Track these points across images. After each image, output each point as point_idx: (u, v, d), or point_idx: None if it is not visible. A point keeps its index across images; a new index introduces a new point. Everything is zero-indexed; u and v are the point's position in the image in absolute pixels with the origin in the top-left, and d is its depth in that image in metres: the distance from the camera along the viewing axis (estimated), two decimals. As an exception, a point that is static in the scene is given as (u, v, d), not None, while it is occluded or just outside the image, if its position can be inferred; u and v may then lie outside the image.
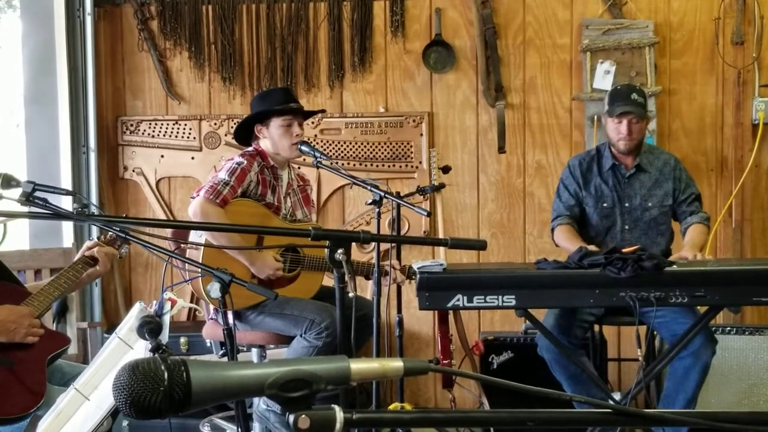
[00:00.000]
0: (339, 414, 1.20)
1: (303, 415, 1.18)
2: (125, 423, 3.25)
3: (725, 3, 5.36)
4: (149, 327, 2.10)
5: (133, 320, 2.19)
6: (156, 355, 2.00)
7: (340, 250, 2.66)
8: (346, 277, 2.77)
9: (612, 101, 4.51)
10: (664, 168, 4.60)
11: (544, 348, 4.23)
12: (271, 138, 4.43)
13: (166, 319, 2.22)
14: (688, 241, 4.43)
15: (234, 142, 4.77)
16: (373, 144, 5.64)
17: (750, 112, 5.36)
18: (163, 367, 1.13)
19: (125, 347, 2.14)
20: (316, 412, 1.19)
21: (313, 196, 4.96)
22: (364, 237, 2.71)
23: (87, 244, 3.57)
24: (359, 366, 1.23)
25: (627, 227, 4.56)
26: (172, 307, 2.30)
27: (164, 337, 2.15)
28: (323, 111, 5.09)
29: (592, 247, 4.23)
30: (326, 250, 2.68)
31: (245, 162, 4.32)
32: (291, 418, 1.18)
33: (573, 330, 4.28)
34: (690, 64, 5.46)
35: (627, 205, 4.57)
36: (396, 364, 1.26)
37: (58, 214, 2.76)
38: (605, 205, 4.58)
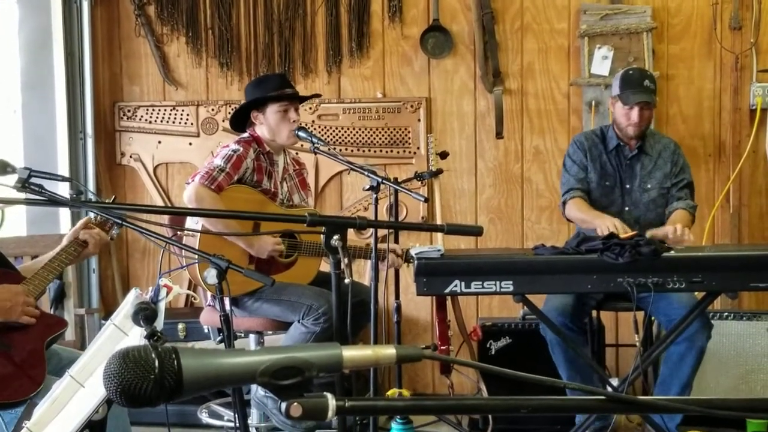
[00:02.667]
0: (331, 402, 1.19)
1: (295, 403, 1.17)
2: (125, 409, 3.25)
3: (723, -12, 5.35)
4: (144, 314, 2.10)
5: (128, 307, 2.18)
6: (148, 342, 2.00)
7: (335, 236, 2.66)
8: (343, 264, 2.77)
9: (624, 86, 4.51)
10: (664, 152, 4.63)
11: (547, 329, 4.23)
12: (268, 124, 4.42)
13: (162, 306, 2.21)
14: (669, 221, 4.44)
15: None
16: (371, 129, 5.63)
17: (748, 97, 5.34)
18: (153, 355, 1.13)
19: (120, 334, 2.14)
20: (308, 400, 1.18)
21: (310, 180, 4.96)
22: (360, 223, 2.71)
23: (78, 224, 3.54)
24: (352, 353, 1.23)
25: (627, 208, 4.57)
26: (167, 293, 2.29)
27: (159, 323, 2.14)
28: (319, 95, 5.07)
29: (608, 219, 4.24)
30: (322, 236, 2.68)
31: (241, 149, 4.31)
32: (283, 405, 1.17)
33: (577, 314, 4.28)
34: (688, 49, 5.45)
35: (628, 186, 4.59)
36: (389, 351, 1.25)
37: (54, 201, 2.75)
38: (607, 183, 4.60)
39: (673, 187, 4.58)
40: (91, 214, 3.53)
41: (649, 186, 4.58)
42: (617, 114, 4.57)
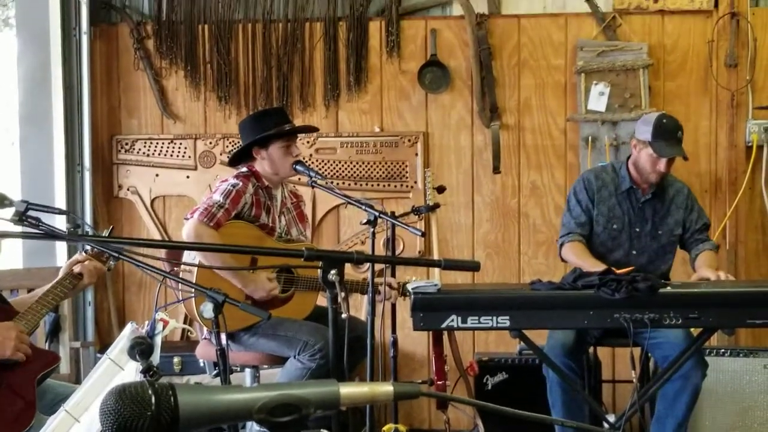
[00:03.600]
0: (328, 439, 1.19)
1: (291, 441, 1.17)
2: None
3: (719, 26, 5.39)
4: (140, 348, 2.09)
5: (124, 341, 2.17)
6: (145, 377, 1.99)
7: (333, 271, 2.65)
8: (339, 299, 2.76)
9: (657, 136, 4.36)
10: (677, 197, 4.55)
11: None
12: (271, 160, 4.42)
13: (158, 340, 2.20)
14: (702, 264, 4.36)
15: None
16: (368, 163, 5.64)
17: (743, 134, 5.37)
18: (150, 392, 1.12)
19: (116, 368, 2.13)
20: (305, 437, 1.18)
21: (307, 212, 4.96)
22: (357, 258, 2.70)
23: (75, 257, 3.53)
24: (349, 390, 1.23)
25: (634, 252, 4.49)
26: (164, 328, 2.28)
27: (155, 358, 2.13)
28: (316, 129, 5.08)
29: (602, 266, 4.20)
30: (319, 271, 2.67)
31: (240, 184, 4.31)
32: (280, 443, 1.17)
33: (578, 351, 4.26)
34: (684, 86, 5.48)
35: (637, 230, 4.51)
36: (386, 388, 1.25)
37: (51, 235, 2.75)
38: (615, 227, 4.51)
39: (695, 233, 4.51)
40: (87, 247, 3.51)
41: (660, 232, 4.51)
42: (642, 159, 4.43)
